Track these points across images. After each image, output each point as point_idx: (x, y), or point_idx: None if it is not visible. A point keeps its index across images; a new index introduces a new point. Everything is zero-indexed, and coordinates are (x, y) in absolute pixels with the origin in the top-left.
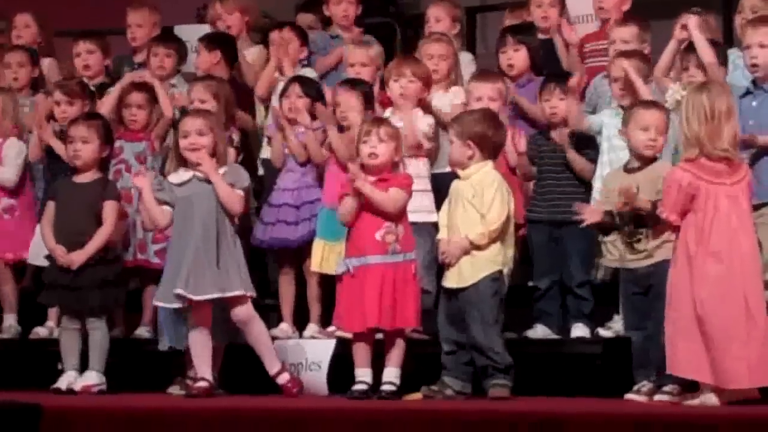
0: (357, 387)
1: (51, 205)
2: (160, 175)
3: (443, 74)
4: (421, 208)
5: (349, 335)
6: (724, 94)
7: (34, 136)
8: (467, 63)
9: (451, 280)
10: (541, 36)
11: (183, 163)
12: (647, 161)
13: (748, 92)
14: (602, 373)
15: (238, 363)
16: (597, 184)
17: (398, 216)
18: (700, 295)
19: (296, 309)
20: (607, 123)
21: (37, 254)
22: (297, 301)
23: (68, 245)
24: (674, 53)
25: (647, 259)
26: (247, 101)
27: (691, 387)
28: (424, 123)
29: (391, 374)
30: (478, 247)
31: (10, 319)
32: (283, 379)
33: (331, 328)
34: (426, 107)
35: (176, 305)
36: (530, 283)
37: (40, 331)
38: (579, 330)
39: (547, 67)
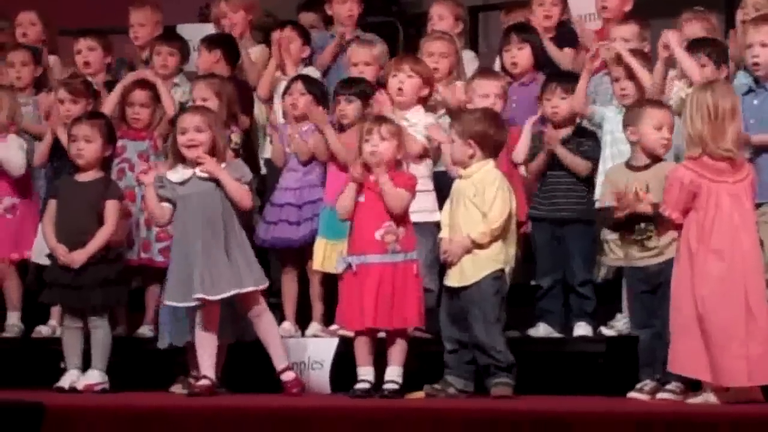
0: (359, 386)
1: (53, 204)
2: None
3: (444, 72)
4: (423, 208)
5: (351, 334)
6: (728, 94)
7: (42, 143)
8: (469, 61)
9: (453, 279)
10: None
11: (181, 159)
12: (656, 159)
13: (749, 90)
14: (605, 371)
15: (241, 361)
16: (600, 179)
17: (400, 216)
18: (701, 293)
19: (299, 308)
20: (609, 117)
21: (40, 253)
22: (300, 299)
23: (70, 244)
24: (664, 75)
25: (658, 257)
26: (246, 100)
27: (694, 385)
28: (425, 123)
29: (394, 373)
30: (480, 246)
31: (14, 318)
32: (287, 377)
33: (333, 327)
34: (428, 105)
35: (190, 304)
36: (533, 282)
37: (43, 330)
38: (581, 329)
39: (550, 66)
